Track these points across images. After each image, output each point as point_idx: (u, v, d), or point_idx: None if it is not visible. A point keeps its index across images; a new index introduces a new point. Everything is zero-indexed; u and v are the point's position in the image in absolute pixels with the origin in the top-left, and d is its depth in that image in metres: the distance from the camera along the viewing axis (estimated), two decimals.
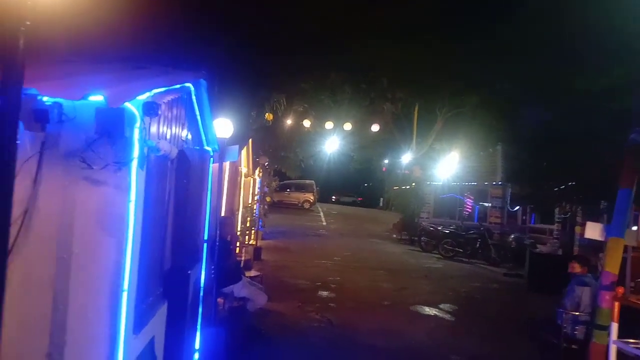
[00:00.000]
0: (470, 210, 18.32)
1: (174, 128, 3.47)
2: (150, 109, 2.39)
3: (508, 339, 7.27)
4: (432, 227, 16.74)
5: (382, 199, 37.26)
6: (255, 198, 13.55)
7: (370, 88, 18.79)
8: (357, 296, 9.17)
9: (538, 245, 12.84)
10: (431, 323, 7.85)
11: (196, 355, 4.70)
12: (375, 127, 20.60)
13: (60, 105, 2.21)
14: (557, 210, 14.17)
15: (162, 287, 3.54)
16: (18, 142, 1.62)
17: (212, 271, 5.70)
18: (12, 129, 1.59)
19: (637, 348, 4.15)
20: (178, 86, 3.18)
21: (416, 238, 17.34)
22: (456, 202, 18.57)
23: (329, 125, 19.32)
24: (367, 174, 37.60)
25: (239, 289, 6.43)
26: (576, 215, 12.35)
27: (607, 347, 4.23)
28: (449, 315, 8.35)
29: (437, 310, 8.58)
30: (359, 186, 43.36)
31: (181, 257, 3.92)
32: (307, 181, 30.11)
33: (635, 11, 6.97)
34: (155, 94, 2.55)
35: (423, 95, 19.08)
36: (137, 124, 2.35)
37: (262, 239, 13.80)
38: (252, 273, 8.39)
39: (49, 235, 2.31)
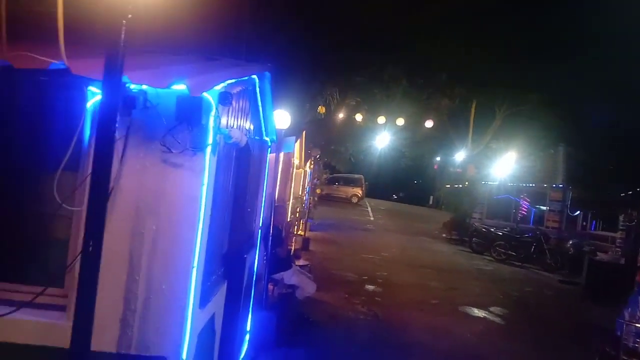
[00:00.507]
0: (525, 213, 17.63)
1: (240, 118, 3.64)
2: (224, 99, 2.55)
3: (562, 347, 7.01)
4: (484, 228, 16.28)
5: (431, 196, 36.58)
6: (306, 189, 13.76)
7: (427, 83, 18.41)
8: (404, 293, 9.14)
9: (598, 253, 12.25)
10: (480, 325, 7.70)
11: (247, 337, 4.92)
12: (429, 124, 20.18)
13: (145, 92, 2.41)
14: (621, 217, 13.44)
15: (223, 268, 3.74)
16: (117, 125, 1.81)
17: (264, 257, 5.92)
18: (112, 114, 1.78)
19: None
20: (246, 78, 3.33)
21: (467, 238, 16.94)
22: (511, 204, 17.90)
23: (381, 120, 19.14)
24: (418, 170, 37.04)
25: (289, 277, 6.62)
26: None
27: None
28: (499, 319, 8.14)
29: (486, 312, 8.39)
30: (409, 183, 42.72)
31: (239, 241, 4.11)
32: (356, 176, 30.07)
33: None
34: (228, 84, 2.71)
35: (483, 91, 18.48)
36: (213, 112, 2.52)
37: (310, 230, 14.01)
38: (301, 262, 8.60)
39: (129, 212, 2.53)
